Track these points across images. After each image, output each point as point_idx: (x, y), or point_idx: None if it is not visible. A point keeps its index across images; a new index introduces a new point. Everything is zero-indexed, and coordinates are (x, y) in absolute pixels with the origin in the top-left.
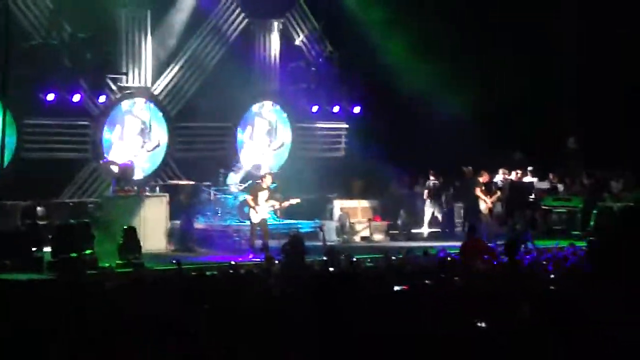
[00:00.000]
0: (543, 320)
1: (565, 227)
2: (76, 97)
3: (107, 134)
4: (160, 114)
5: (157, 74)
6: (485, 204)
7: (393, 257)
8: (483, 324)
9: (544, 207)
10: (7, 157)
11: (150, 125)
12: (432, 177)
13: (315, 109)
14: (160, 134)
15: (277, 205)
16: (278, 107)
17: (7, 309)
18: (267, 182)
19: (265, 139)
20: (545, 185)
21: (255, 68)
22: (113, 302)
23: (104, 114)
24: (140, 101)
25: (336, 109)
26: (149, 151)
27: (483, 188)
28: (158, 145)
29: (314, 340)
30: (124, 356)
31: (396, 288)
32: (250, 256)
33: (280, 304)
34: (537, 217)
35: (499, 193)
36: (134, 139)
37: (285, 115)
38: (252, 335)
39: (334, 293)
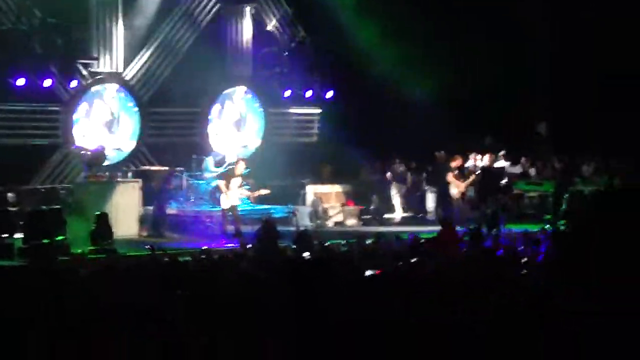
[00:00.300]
0: (516, 307)
1: (537, 212)
2: (47, 82)
3: (76, 115)
4: (131, 103)
5: (129, 59)
6: (457, 188)
7: (367, 242)
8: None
9: (516, 191)
10: None
11: (118, 117)
12: (397, 162)
13: (287, 93)
14: (127, 125)
15: (247, 194)
16: (250, 95)
17: None
18: (240, 168)
19: (233, 128)
20: (517, 169)
21: (228, 53)
22: (88, 289)
23: (74, 99)
24: (111, 88)
25: (309, 93)
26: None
27: (456, 173)
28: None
29: (290, 325)
30: (101, 344)
31: (368, 272)
32: (223, 242)
33: (255, 289)
34: (509, 201)
35: (472, 177)
36: (100, 128)
37: (257, 104)
38: (229, 321)
39: (307, 278)
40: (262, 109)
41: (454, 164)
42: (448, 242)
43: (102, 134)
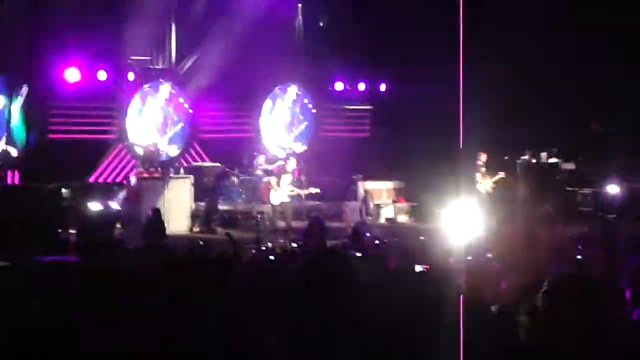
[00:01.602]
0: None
1: (592, 210)
2: (102, 76)
3: (129, 111)
4: (183, 101)
5: (182, 55)
6: (483, 186)
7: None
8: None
9: (569, 188)
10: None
11: (171, 116)
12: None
13: (339, 87)
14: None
15: (297, 191)
16: (301, 94)
17: (43, 291)
18: (292, 165)
19: (282, 129)
20: (570, 166)
21: (280, 49)
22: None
23: (128, 96)
24: (164, 89)
25: (361, 86)
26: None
27: (483, 170)
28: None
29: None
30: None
31: (418, 268)
32: (274, 238)
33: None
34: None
35: (499, 175)
36: (152, 127)
37: (309, 104)
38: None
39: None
40: (314, 109)
41: (480, 161)
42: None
43: (153, 133)
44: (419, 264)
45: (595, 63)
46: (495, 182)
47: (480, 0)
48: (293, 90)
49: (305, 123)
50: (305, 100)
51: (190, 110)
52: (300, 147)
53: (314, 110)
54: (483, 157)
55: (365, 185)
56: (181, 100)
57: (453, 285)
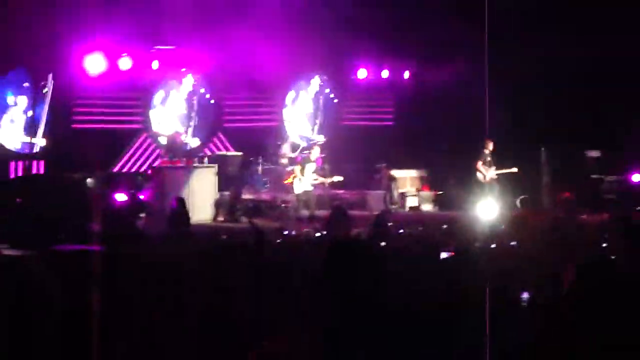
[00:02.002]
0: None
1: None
2: (125, 64)
3: (154, 102)
4: (206, 93)
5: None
6: (482, 176)
7: (444, 226)
8: (526, 295)
9: (594, 176)
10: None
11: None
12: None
13: (362, 74)
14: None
15: (321, 180)
16: (323, 82)
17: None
18: (315, 153)
19: (305, 120)
20: (595, 153)
21: (303, 38)
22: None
23: (153, 85)
24: (187, 82)
25: (385, 74)
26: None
27: (487, 159)
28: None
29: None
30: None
31: (443, 254)
32: (299, 226)
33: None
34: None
35: (514, 169)
36: (175, 119)
37: (327, 90)
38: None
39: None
40: (335, 99)
41: (487, 149)
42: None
43: (176, 124)
44: (443, 251)
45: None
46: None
47: None
48: (316, 81)
49: (326, 114)
50: (327, 90)
51: (212, 101)
52: (322, 139)
53: (336, 100)
54: (490, 145)
55: (390, 174)
56: (202, 90)
57: (478, 271)
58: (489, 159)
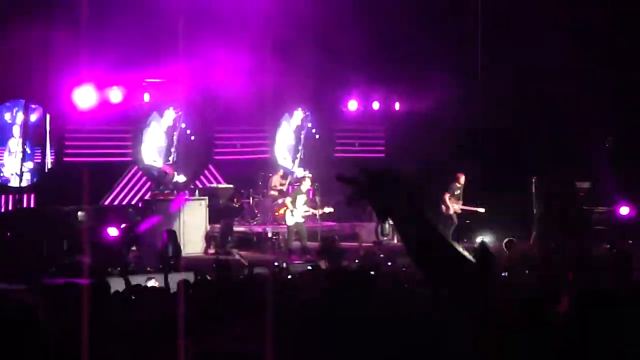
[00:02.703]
0: None
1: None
2: (116, 97)
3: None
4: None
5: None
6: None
7: None
8: None
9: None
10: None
11: (174, 143)
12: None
13: (353, 106)
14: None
15: (312, 211)
16: (306, 115)
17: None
18: (306, 185)
19: (287, 154)
20: (586, 185)
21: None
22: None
23: (144, 118)
24: (169, 114)
25: (376, 105)
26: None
27: (456, 192)
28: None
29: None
30: None
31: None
32: (290, 258)
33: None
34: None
35: (469, 207)
36: (155, 153)
37: (309, 124)
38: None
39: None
40: (317, 134)
41: (458, 183)
42: None
43: (155, 156)
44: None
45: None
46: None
47: (496, 15)
48: (299, 114)
49: (308, 148)
50: (309, 125)
51: (192, 137)
52: (302, 172)
53: (317, 136)
54: (462, 179)
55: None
56: (183, 125)
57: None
58: (457, 192)
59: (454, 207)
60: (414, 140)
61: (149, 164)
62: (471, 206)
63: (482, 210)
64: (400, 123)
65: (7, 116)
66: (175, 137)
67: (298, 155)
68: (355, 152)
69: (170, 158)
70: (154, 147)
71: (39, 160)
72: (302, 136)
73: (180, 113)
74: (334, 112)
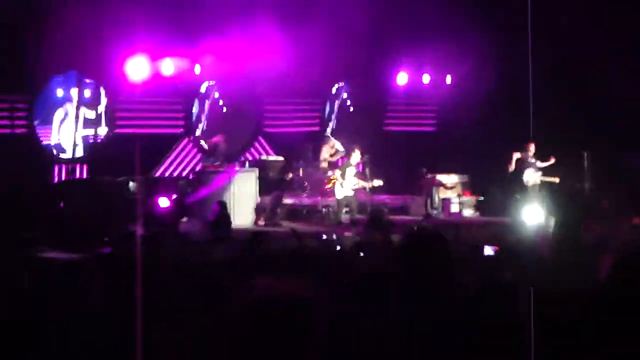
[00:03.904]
0: None
1: None
2: (168, 69)
3: (194, 108)
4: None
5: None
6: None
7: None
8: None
9: None
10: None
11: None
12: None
13: (402, 79)
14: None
15: (362, 184)
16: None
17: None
18: (356, 157)
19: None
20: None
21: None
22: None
23: (194, 90)
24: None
25: (426, 78)
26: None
27: (532, 162)
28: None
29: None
30: None
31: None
32: (340, 231)
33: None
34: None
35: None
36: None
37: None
38: None
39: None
40: (351, 107)
41: (529, 151)
42: None
43: (214, 128)
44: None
45: None
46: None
47: None
48: (341, 88)
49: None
50: (345, 95)
51: (225, 109)
52: (341, 147)
53: (352, 109)
54: (532, 148)
55: (431, 179)
56: (216, 95)
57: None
58: (532, 160)
59: (534, 178)
60: (465, 115)
61: (198, 135)
62: (548, 176)
63: (557, 180)
64: (451, 97)
65: (60, 90)
66: (206, 106)
67: (330, 124)
68: (405, 125)
69: (200, 126)
70: (211, 122)
71: (93, 132)
72: (335, 106)
73: (213, 82)
74: (383, 85)
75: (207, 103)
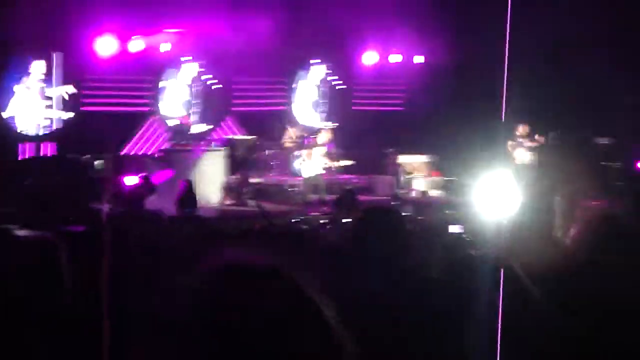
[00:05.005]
0: None
1: None
2: (136, 46)
3: (162, 84)
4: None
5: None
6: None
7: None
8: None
9: None
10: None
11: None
12: None
13: (370, 59)
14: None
15: (330, 164)
16: (329, 68)
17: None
18: (323, 137)
19: (310, 107)
20: None
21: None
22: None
23: (162, 68)
24: (190, 66)
25: (396, 58)
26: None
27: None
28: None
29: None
30: None
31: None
32: (306, 211)
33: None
34: None
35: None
36: (179, 105)
37: (335, 77)
38: None
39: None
40: (343, 85)
41: (519, 132)
42: None
43: (180, 109)
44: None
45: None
46: None
47: None
48: (321, 69)
49: (332, 101)
50: (335, 77)
51: (220, 86)
52: (330, 125)
53: (344, 86)
54: (521, 129)
55: (398, 159)
56: (205, 77)
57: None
58: (522, 140)
59: (523, 157)
60: (434, 95)
61: (165, 114)
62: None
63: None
64: (420, 76)
65: (24, 65)
66: (198, 89)
67: (324, 109)
68: (373, 104)
69: (193, 109)
70: (178, 101)
71: (58, 109)
72: (327, 90)
73: (203, 62)
74: (352, 65)
75: (197, 86)
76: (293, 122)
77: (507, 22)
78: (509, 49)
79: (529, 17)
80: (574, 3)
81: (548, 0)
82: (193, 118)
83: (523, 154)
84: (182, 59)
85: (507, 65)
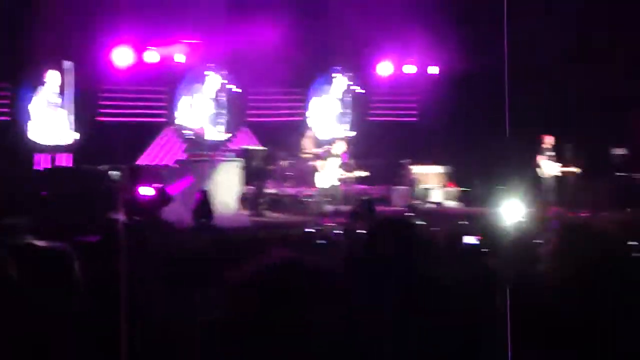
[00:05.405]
0: None
1: None
2: (151, 57)
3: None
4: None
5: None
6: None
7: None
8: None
9: None
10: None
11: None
12: None
13: (385, 69)
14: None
15: (346, 175)
16: (350, 80)
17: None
18: (339, 148)
19: (331, 117)
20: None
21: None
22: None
23: (178, 79)
24: (214, 75)
25: (410, 69)
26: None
27: (549, 154)
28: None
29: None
30: None
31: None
32: (322, 221)
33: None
34: None
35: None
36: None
37: (357, 88)
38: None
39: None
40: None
41: (545, 144)
42: None
43: (204, 122)
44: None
45: None
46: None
47: None
48: (343, 79)
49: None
50: (357, 88)
51: (240, 90)
52: (346, 135)
53: (364, 96)
54: (547, 140)
55: (414, 170)
56: (230, 87)
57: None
58: (549, 152)
59: (551, 170)
60: (448, 106)
61: (182, 124)
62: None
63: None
64: (435, 87)
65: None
66: (221, 99)
67: (347, 119)
68: (388, 115)
69: (220, 120)
70: (203, 114)
71: (75, 120)
72: (350, 101)
73: (224, 74)
74: (367, 75)
75: (223, 96)
76: (309, 133)
77: (519, 33)
78: (522, 59)
79: (544, 26)
80: (593, 9)
81: (565, 7)
82: (218, 128)
83: (550, 165)
84: (206, 72)
85: (519, 75)
